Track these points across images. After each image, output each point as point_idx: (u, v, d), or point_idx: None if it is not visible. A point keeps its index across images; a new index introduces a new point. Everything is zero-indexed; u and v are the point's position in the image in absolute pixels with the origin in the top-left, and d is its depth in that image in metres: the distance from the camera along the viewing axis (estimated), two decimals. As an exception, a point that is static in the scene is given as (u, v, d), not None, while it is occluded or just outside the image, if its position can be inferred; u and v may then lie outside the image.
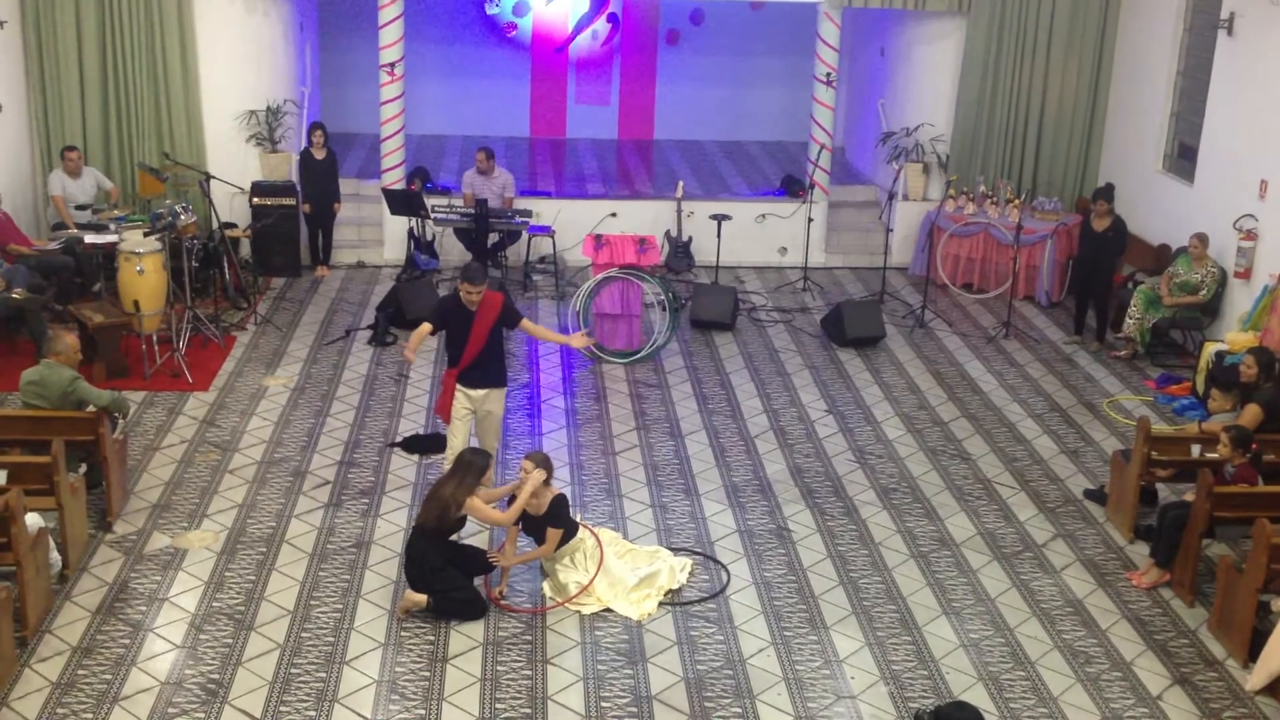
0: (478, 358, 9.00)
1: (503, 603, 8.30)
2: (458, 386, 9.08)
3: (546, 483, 8.32)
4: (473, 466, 8.18)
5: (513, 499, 8.39)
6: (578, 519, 8.79)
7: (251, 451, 10.36)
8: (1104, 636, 8.26)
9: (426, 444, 10.50)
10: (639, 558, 8.71)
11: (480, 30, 19.67)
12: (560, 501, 8.37)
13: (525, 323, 9.43)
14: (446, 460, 9.28)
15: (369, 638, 7.89)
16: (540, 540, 8.39)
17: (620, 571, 8.42)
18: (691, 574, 8.73)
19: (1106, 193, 13.38)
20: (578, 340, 10.09)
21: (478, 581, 8.36)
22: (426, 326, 9.24)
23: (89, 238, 12.92)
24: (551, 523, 8.31)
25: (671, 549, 9.01)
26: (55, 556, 8.23)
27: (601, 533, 8.82)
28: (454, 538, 8.32)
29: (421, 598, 8.03)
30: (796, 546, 9.23)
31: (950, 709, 5.79)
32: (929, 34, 16.07)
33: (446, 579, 8.06)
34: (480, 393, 9.12)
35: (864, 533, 9.48)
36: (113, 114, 14.50)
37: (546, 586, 8.46)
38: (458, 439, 9.18)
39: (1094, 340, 13.59)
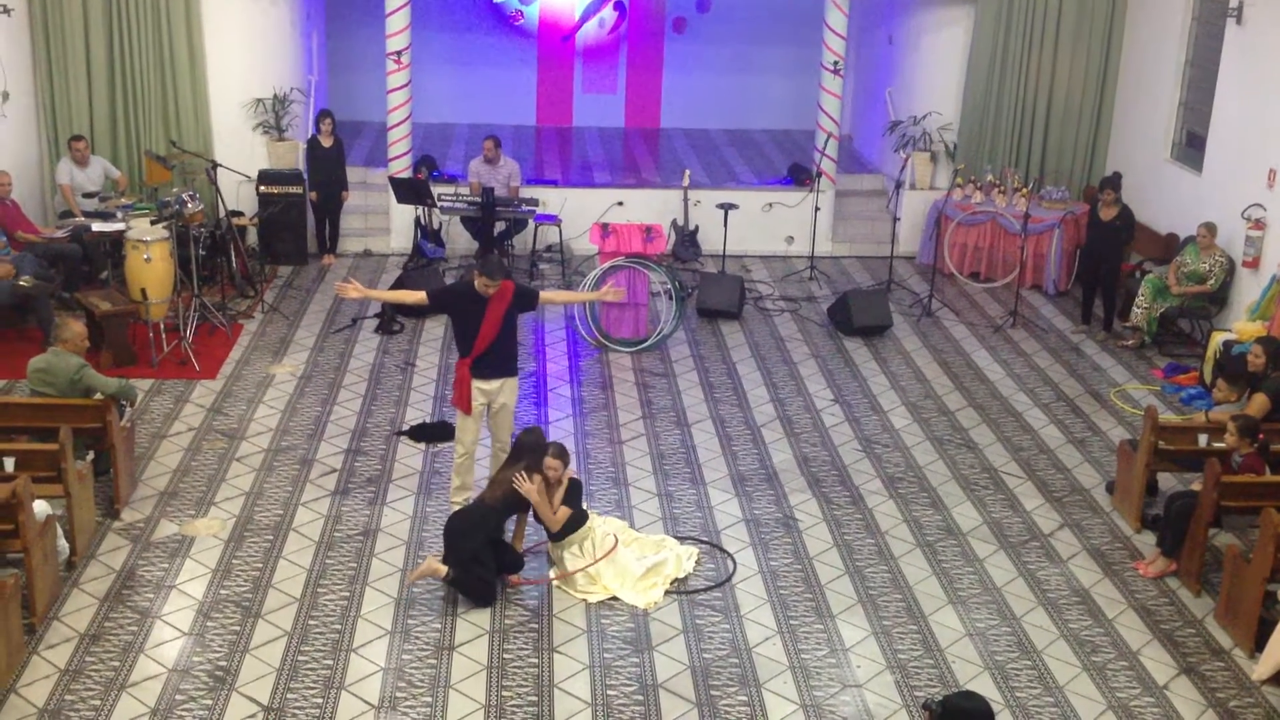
0: (490, 347, 8.83)
1: (517, 578, 8.36)
2: (472, 379, 8.93)
3: (560, 457, 8.37)
4: (539, 449, 8.30)
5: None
6: (585, 508, 8.79)
7: (259, 439, 10.38)
8: (1110, 626, 8.26)
9: (433, 432, 10.51)
10: (645, 546, 8.72)
11: (487, 18, 19.65)
12: (575, 486, 8.43)
13: (544, 295, 9.41)
14: (458, 459, 9.20)
15: (376, 625, 7.91)
16: (551, 528, 8.41)
17: (627, 560, 8.42)
18: (698, 563, 8.74)
19: (1114, 182, 13.36)
20: (610, 294, 9.88)
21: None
22: (420, 297, 9.14)
23: (96, 226, 12.94)
24: (564, 501, 8.38)
25: (678, 538, 9.02)
26: (63, 544, 8.25)
27: (608, 521, 8.84)
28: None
29: (442, 568, 8.03)
30: (802, 535, 9.23)
31: (958, 699, 5.79)
32: (937, 22, 16.03)
33: (481, 559, 8.06)
34: (495, 384, 8.94)
35: (870, 522, 9.48)
36: (120, 102, 14.50)
37: (553, 574, 8.47)
38: (469, 435, 9.07)
39: (1101, 329, 13.57)
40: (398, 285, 13.22)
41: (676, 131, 19.97)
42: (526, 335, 12.91)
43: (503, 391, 9.01)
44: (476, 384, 8.90)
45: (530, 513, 8.47)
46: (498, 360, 8.92)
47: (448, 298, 9.21)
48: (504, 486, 8.26)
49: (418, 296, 9.26)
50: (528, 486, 8.21)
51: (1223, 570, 8.41)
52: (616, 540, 8.51)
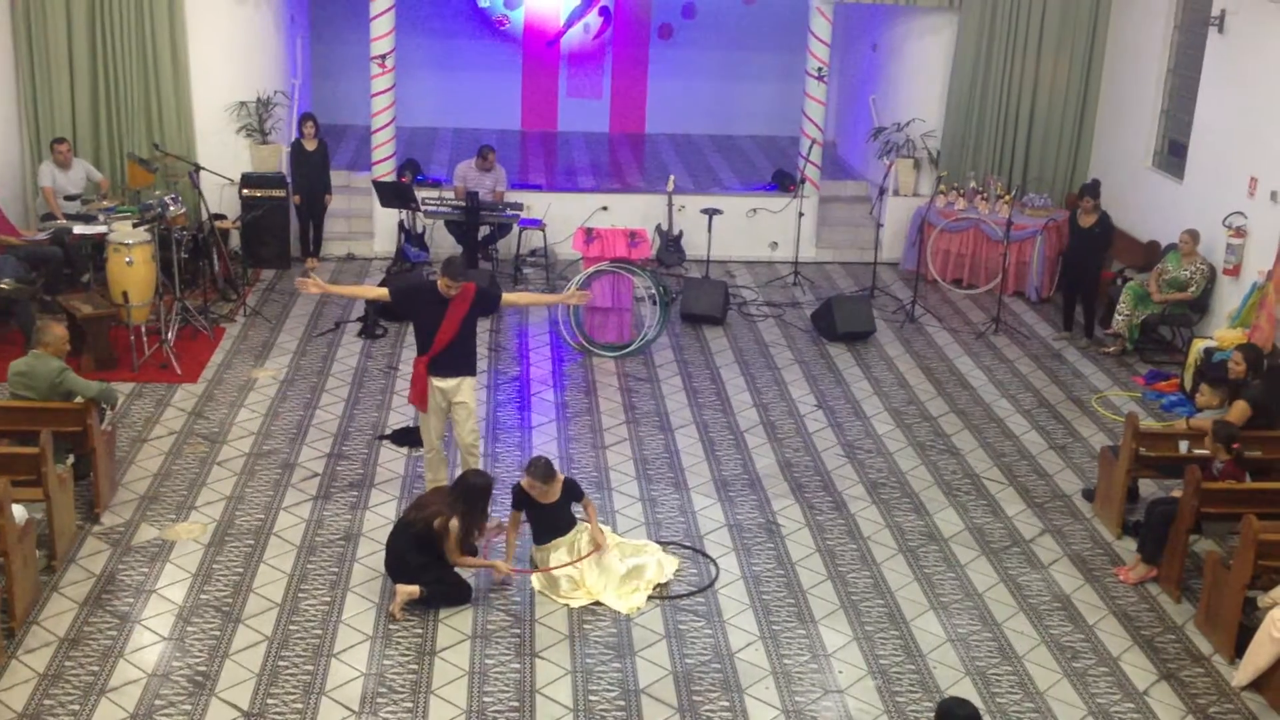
0: (448, 347, 8.89)
1: (507, 566, 8.40)
2: (429, 377, 8.99)
3: (549, 480, 8.32)
4: (485, 493, 8.22)
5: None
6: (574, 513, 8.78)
7: (240, 443, 10.34)
8: (1091, 632, 8.29)
9: (416, 436, 10.48)
10: (627, 550, 8.71)
11: (472, 23, 19.64)
12: (572, 481, 8.49)
13: (508, 296, 9.58)
14: (426, 455, 9.27)
15: (357, 630, 7.88)
16: (547, 529, 8.41)
17: (610, 560, 8.42)
18: (677, 571, 8.70)
19: (1093, 189, 13.45)
20: (575, 298, 9.99)
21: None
22: (382, 293, 9.33)
23: (78, 229, 12.87)
24: (577, 496, 8.49)
25: (660, 543, 9.01)
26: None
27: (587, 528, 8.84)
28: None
29: (413, 588, 8.02)
30: (785, 541, 9.24)
31: (951, 704, 5.77)
32: (920, 29, 16.07)
33: (430, 572, 8.06)
34: (451, 382, 9.00)
35: (852, 527, 9.49)
36: (102, 104, 14.44)
37: (535, 580, 8.46)
38: (432, 433, 9.16)
39: (1083, 336, 13.62)
40: (380, 289, 13.19)
41: (661, 137, 19.98)
42: (510, 339, 12.91)
43: (460, 390, 9.07)
44: (434, 382, 8.98)
45: (523, 514, 8.47)
46: (455, 359, 9.00)
47: (410, 296, 9.31)
48: (427, 515, 8.11)
49: (379, 292, 9.46)
50: (500, 567, 8.40)
51: (1203, 576, 8.44)
52: (603, 543, 8.50)
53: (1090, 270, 13.44)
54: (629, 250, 12.83)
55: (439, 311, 8.86)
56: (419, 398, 9.08)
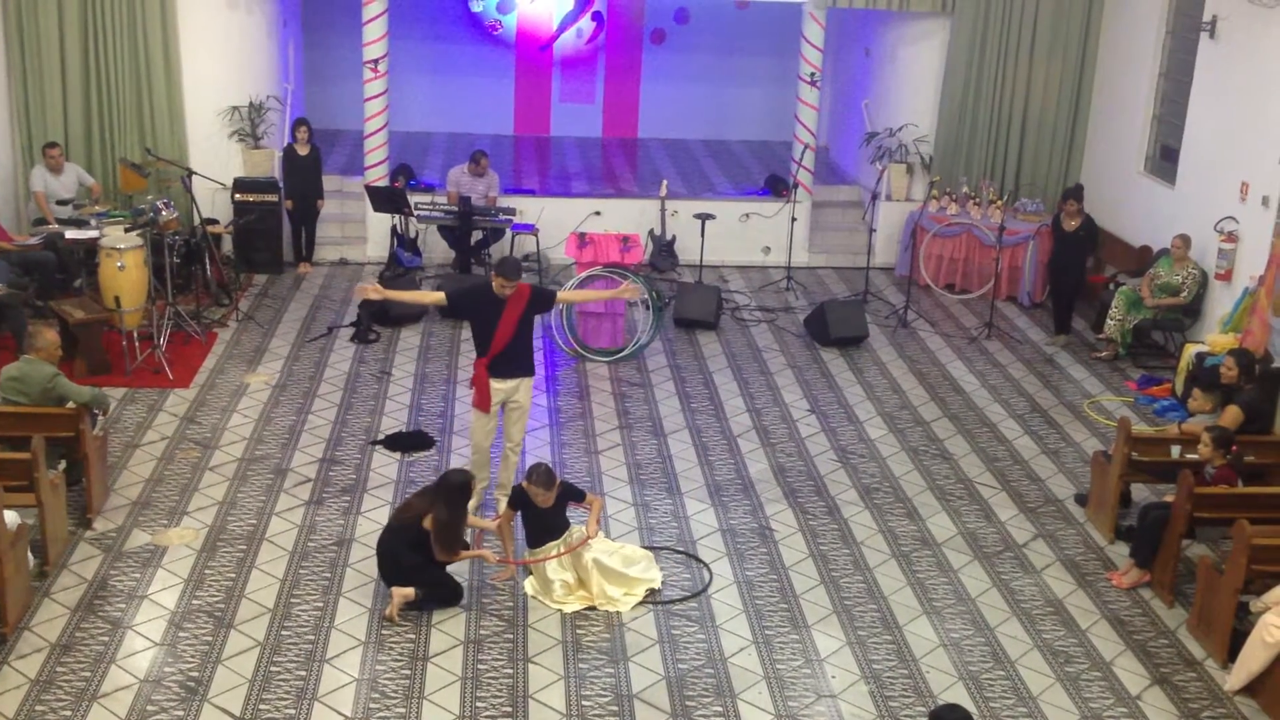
0: (507, 348, 8.96)
1: (497, 564, 8.46)
2: (489, 379, 9.02)
3: (550, 487, 8.32)
4: (464, 490, 8.23)
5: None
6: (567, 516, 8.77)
7: (232, 449, 10.33)
8: (1084, 636, 8.30)
9: (409, 441, 10.49)
10: (617, 553, 8.70)
11: (465, 27, 19.64)
12: (568, 485, 8.50)
13: (562, 294, 9.73)
14: (472, 454, 9.32)
15: (349, 636, 7.87)
16: (541, 531, 8.42)
17: (590, 554, 8.39)
18: (658, 586, 8.64)
19: (1076, 193, 13.54)
20: (629, 291, 10.12)
21: (469, 535, 8.51)
22: (439, 298, 9.34)
23: (70, 233, 12.86)
24: (576, 498, 8.49)
25: (654, 548, 9.01)
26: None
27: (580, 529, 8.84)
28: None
29: (408, 591, 8.02)
30: (778, 545, 9.24)
31: (944, 711, 5.78)
32: (913, 34, 16.10)
33: (424, 575, 8.07)
34: (511, 383, 9.08)
35: (845, 532, 9.49)
36: (95, 109, 14.42)
37: (528, 585, 8.46)
38: (480, 434, 9.20)
39: (1059, 333, 13.69)
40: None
41: (654, 142, 19.99)
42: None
43: (519, 390, 9.16)
44: (494, 383, 9.04)
45: (519, 514, 8.47)
46: (515, 360, 9.08)
47: (466, 299, 9.33)
48: (410, 514, 8.17)
49: (436, 297, 9.50)
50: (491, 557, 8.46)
51: (1196, 581, 8.46)
52: (588, 537, 8.50)
53: (1073, 273, 13.50)
54: (622, 255, 12.83)
55: (496, 312, 8.92)
56: (483, 400, 9.07)
